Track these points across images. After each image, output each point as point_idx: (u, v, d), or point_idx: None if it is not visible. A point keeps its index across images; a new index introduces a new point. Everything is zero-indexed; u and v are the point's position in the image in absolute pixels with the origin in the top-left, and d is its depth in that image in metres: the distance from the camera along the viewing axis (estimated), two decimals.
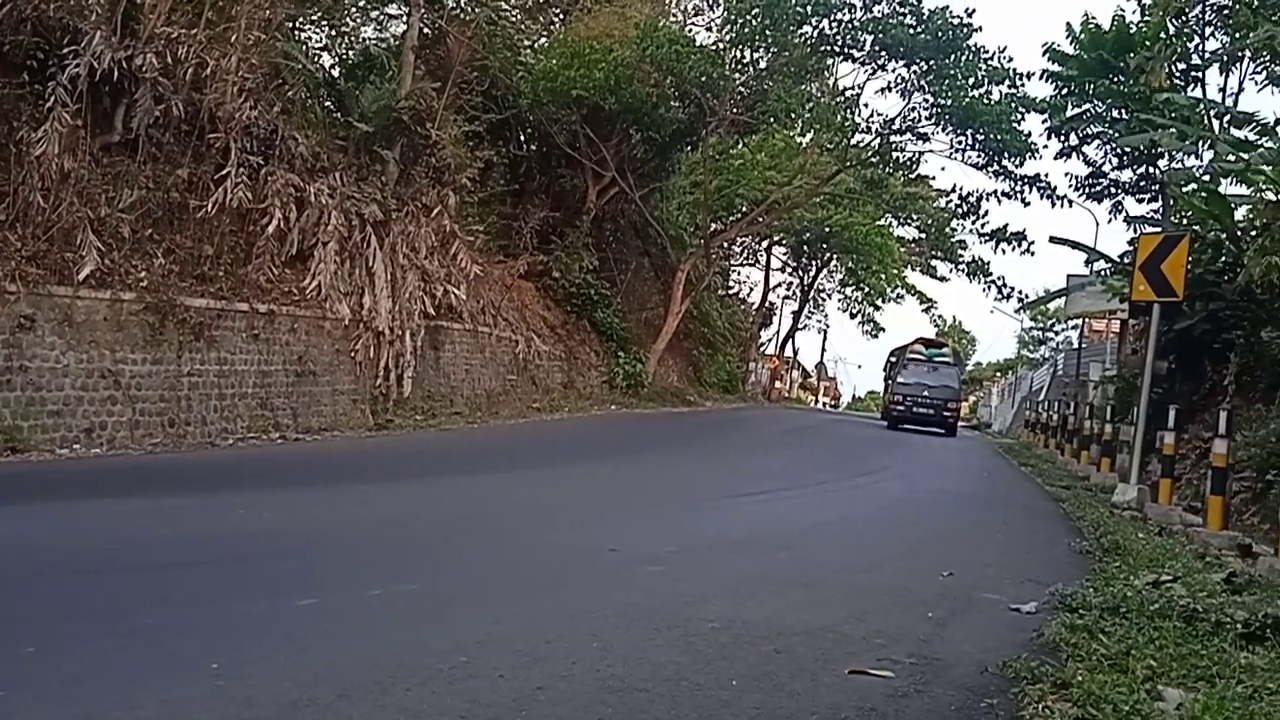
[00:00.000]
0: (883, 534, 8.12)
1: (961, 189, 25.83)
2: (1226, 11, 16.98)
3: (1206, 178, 14.73)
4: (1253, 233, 12.21)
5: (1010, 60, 21.64)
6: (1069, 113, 20.96)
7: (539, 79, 20.70)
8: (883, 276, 41.71)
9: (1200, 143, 14.70)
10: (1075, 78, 20.23)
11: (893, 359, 31.60)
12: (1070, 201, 22.88)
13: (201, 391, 11.16)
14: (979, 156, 23.24)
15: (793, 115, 23.19)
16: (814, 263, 43.24)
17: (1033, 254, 32.46)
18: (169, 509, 7.01)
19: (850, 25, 21.74)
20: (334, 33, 19.00)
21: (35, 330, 9.33)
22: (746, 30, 22.16)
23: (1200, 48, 18.25)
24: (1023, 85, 21.78)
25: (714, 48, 23.28)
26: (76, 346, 9.75)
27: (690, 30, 25.46)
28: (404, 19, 18.56)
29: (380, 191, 15.01)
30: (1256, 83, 17.76)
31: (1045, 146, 22.42)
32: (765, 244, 40.69)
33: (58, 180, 9.95)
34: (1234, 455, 8.82)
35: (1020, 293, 30.75)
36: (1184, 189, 15.87)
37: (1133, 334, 18.33)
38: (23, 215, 9.73)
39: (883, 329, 48.01)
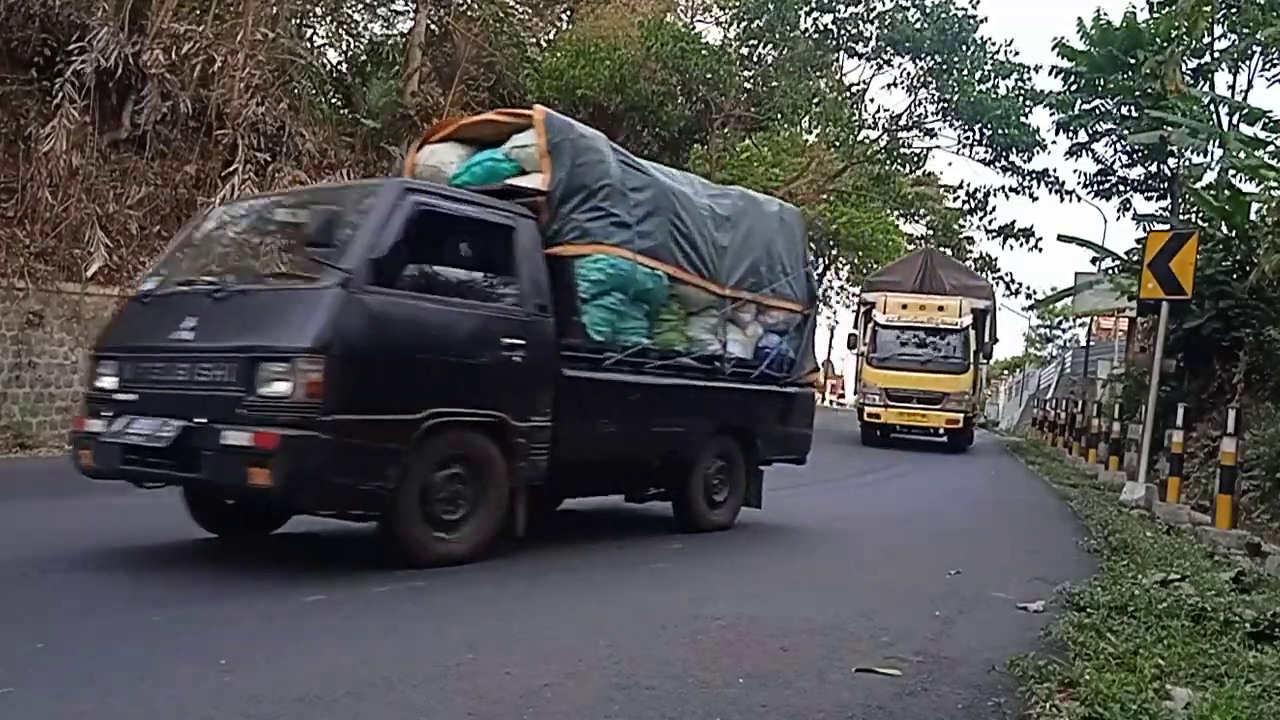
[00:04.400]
0: (888, 532, 8.10)
1: (969, 185, 25.76)
2: (1235, 9, 16.90)
3: (1217, 174, 14.68)
4: (1263, 230, 12.15)
5: (1017, 54, 21.59)
6: (1078, 109, 20.88)
7: (545, 76, 20.68)
8: None
9: (1211, 140, 14.63)
10: (1085, 73, 20.16)
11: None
12: (1078, 197, 22.82)
13: None
14: (986, 152, 23.17)
15: (799, 111, 23.12)
16: (820, 260, 43.11)
17: (1040, 250, 32.26)
18: (176, 505, 7.02)
19: (855, 19, 21.68)
20: (341, 29, 19.03)
21: (44, 327, 9.37)
22: (756, 28, 22.12)
23: (1210, 46, 18.16)
24: (1030, 79, 21.71)
25: (720, 45, 23.23)
26: (85, 343, 9.78)
27: (696, 28, 25.40)
28: (411, 15, 18.57)
29: None
30: (1266, 79, 17.70)
31: (1054, 142, 22.39)
32: None
33: (66, 177, 9.99)
34: (1243, 454, 8.79)
35: (1028, 289, 30.46)
36: (1195, 185, 15.79)
37: (1141, 332, 18.25)
38: (31, 212, 9.78)
39: None
